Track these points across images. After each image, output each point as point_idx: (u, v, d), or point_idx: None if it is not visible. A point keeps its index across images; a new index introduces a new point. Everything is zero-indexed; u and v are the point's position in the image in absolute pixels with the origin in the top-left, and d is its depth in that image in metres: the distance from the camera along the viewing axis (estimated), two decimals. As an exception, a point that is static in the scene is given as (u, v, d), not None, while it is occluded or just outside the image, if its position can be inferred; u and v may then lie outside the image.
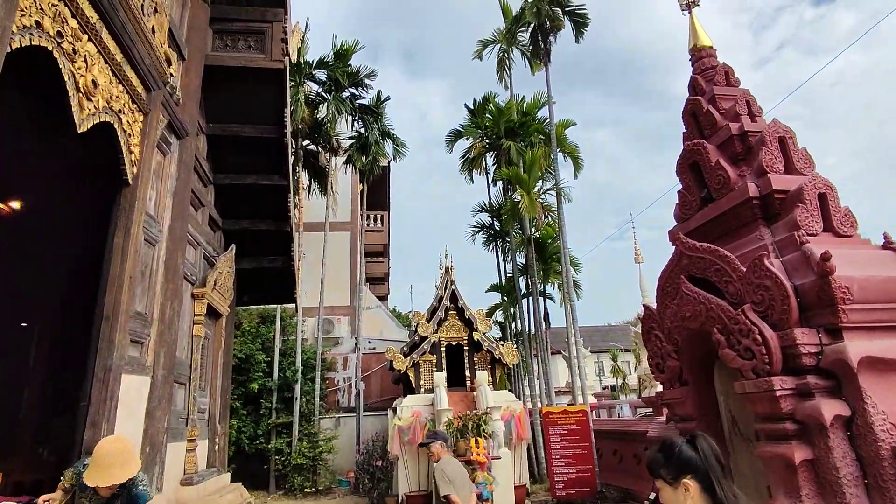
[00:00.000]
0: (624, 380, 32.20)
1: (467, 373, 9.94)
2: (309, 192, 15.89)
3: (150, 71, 5.15)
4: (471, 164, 14.70)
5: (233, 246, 8.12)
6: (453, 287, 10.19)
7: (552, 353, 12.50)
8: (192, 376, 6.77)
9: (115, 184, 5.12)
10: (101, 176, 5.42)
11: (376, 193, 19.49)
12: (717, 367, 4.66)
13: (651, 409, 10.67)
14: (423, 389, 9.64)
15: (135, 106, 5.21)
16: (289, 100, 7.88)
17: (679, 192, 5.42)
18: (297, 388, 12.42)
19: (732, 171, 4.77)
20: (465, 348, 10.10)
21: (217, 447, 7.70)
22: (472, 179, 15.01)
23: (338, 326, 15.67)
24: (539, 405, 11.79)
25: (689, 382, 4.69)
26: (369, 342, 15.25)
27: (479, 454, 6.97)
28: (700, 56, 5.75)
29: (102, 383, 4.65)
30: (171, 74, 5.72)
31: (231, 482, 8.74)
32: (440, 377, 9.26)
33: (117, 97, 4.70)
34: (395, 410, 9.59)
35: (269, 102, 7.77)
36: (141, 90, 5.12)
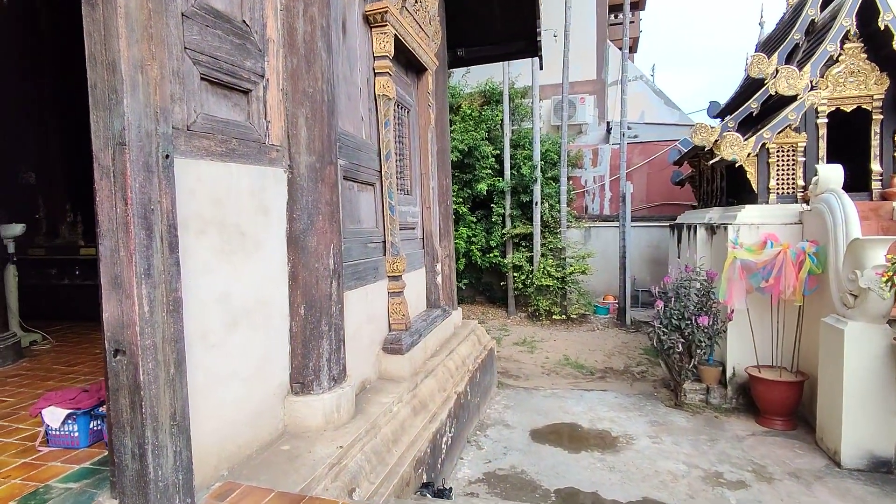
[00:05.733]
0: None
1: (875, 165, 5.10)
2: None
3: None
4: None
5: (428, -74, 4.28)
6: (869, -16, 4.76)
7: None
8: (382, 171, 3.77)
9: None
10: None
11: None
12: None
13: None
14: (772, 195, 5.33)
15: None
16: None
17: None
18: (537, 189, 9.24)
19: None
20: (877, 118, 5.06)
21: (440, 277, 5.06)
22: None
23: (581, 108, 11.45)
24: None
25: None
26: (628, 128, 10.84)
27: None
28: None
29: (112, 179, 1.75)
30: None
31: (462, 315, 6.39)
32: (830, 173, 4.71)
33: None
34: (715, 230, 5.63)
35: None
36: None
